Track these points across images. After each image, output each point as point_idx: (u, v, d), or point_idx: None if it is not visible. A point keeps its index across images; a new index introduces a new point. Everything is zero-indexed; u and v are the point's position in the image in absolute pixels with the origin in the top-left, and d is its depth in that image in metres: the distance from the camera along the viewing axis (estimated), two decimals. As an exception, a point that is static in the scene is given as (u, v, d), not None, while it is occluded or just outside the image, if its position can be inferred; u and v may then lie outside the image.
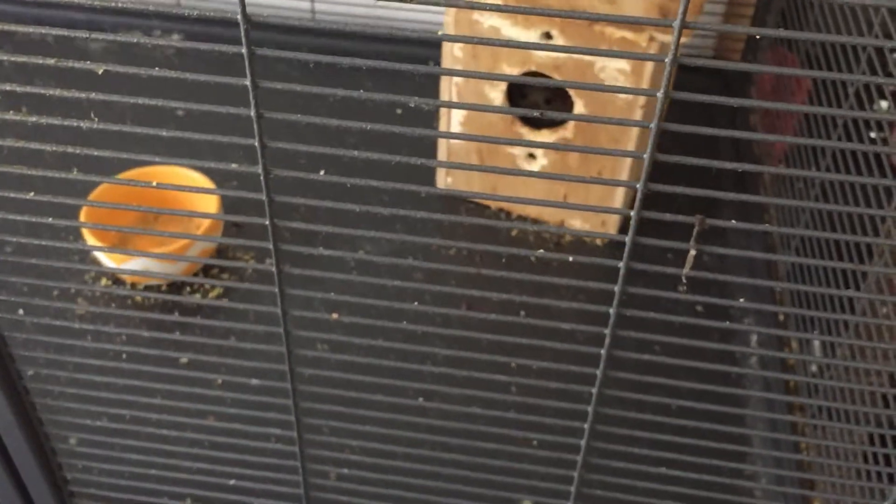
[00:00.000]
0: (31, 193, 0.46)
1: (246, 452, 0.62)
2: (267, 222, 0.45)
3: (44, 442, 0.61)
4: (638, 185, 0.41)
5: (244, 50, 0.38)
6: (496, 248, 0.45)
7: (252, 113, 0.40)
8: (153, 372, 0.59)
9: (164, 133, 0.42)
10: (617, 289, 0.45)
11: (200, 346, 0.81)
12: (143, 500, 0.70)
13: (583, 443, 0.53)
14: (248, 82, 0.39)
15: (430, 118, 1.14)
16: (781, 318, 0.90)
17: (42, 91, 0.41)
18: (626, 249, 0.43)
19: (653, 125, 0.38)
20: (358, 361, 0.53)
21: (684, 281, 0.43)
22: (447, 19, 0.88)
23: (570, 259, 0.46)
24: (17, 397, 0.58)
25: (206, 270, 0.94)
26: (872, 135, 0.94)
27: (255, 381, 0.55)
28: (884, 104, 0.99)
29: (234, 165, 0.45)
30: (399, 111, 1.14)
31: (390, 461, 0.60)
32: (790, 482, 0.75)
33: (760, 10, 1.12)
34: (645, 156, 0.39)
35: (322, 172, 0.43)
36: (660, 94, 0.37)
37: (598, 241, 0.98)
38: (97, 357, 0.64)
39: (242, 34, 0.37)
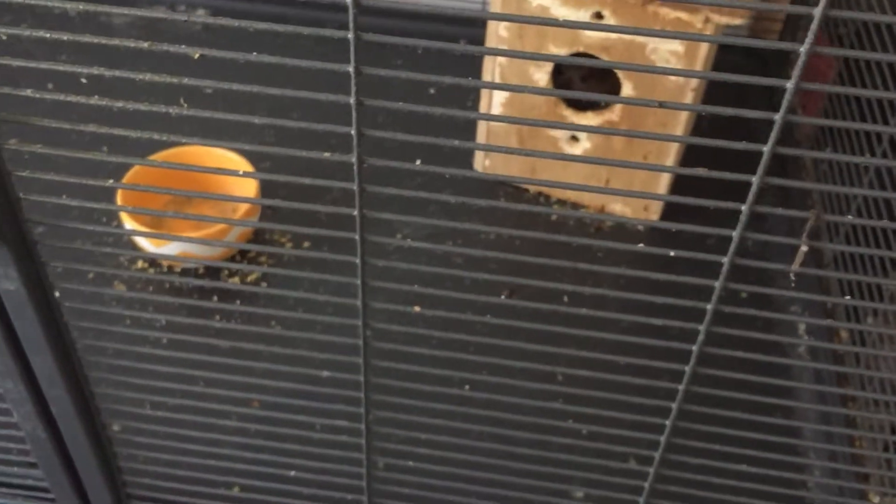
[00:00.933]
0: (62, 174, 0.44)
1: (301, 442, 0.61)
2: (356, 213, 0.43)
3: (100, 431, 0.60)
4: (754, 179, 0.39)
5: (351, 35, 0.36)
6: (555, 236, 0.44)
7: (352, 100, 0.38)
8: (197, 359, 0.57)
9: (255, 120, 0.40)
10: (718, 284, 0.43)
11: (242, 332, 0.80)
12: (191, 488, 0.68)
13: (662, 439, 0.52)
14: (351, 69, 0.37)
15: (464, 99, 1.12)
16: (829, 306, 0.88)
17: (131, 75, 0.39)
18: (732, 245, 0.42)
19: (778, 117, 0.37)
20: (419, 352, 0.51)
21: (793, 277, 0.41)
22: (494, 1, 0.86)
23: (641, 246, 0.45)
24: (78, 389, 0.56)
25: (242, 254, 0.92)
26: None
27: (325, 373, 0.54)
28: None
29: (326, 154, 0.42)
30: (432, 91, 1.12)
31: (448, 452, 0.58)
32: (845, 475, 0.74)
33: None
34: (765, 149, 0.38)
35: (418, 162, 0.41)
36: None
37: (640, 227, 0.96)
38: (138, 343, 0.63)
39: (351, 19, 0.35)
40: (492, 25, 0.89)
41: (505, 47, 0.88)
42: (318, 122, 0.40)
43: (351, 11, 0.35)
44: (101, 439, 0.60)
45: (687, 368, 0.48)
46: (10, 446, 0.63)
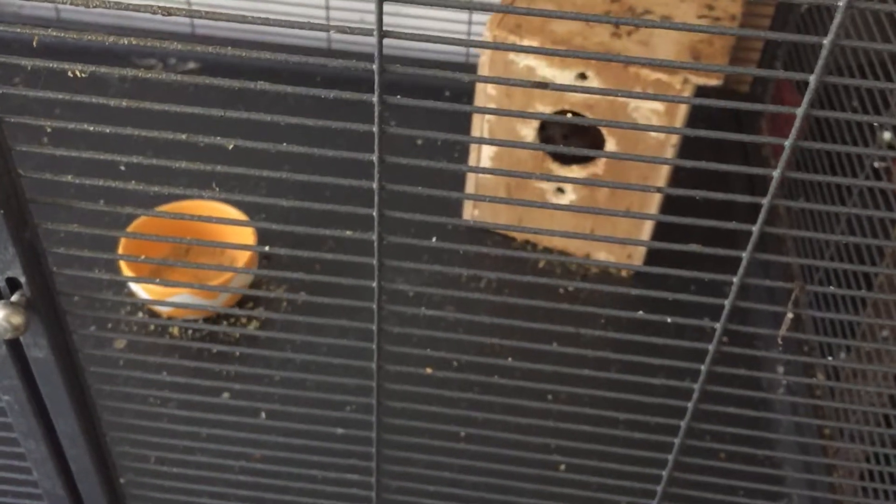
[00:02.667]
0: (75, 225, 0.47)
1: (306, 495, 0.63)
2: (374, 261, 0.46)
3: (116, 487, 0.62)
4: (743, 255, 0.43)
5: (375, 98, 0.39)
6: (559, 281, 0.47)
7: (374, 157, 0.41)
8: (200, 417, 0.59)
9: (267, 173, 0.43)
10: (719, 326, 0.47)
11: (243, 384, 0.82)
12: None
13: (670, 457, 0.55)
14: (375, 129, 0.40)
15: (449, 150, 1.16)
16: (806, 348, 0.93)
17: (121, 130, 0.42)
18: (735, 288, 0.45)
19: (788, 142, 0.39)
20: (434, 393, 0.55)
21: (780, 342, 0.45)
22: (482, 59, 0.90)
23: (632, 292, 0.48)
24: (98, 448, 0.58)
25: (240, 304, 0.95)
26: (876, 164, 0.98)
27: (340, 431, 0.56)
28: (887, 135, 1.03)
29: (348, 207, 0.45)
30: (419, 142, 1.16)
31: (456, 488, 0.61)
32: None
33: (769, 49, 1.15)
34: (775, 173, 0.40)
35: (434, 239, 0.45)
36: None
37: (624, 273, 1.00)
38: (146, 393, 0.65)
39: (377, 80, 0.38)
40: (480, 84, 0.93)
41: (493, 104, 0.93)
42: (312, 174, 0.43)
43: (377, 71, 0.38)
44: (116, 494, 0.62)
45: (682, 423, 0.51)
46: (27, 503, 0.65)
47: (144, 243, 0.93)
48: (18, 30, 0.39)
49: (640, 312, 0.49)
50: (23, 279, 0.47)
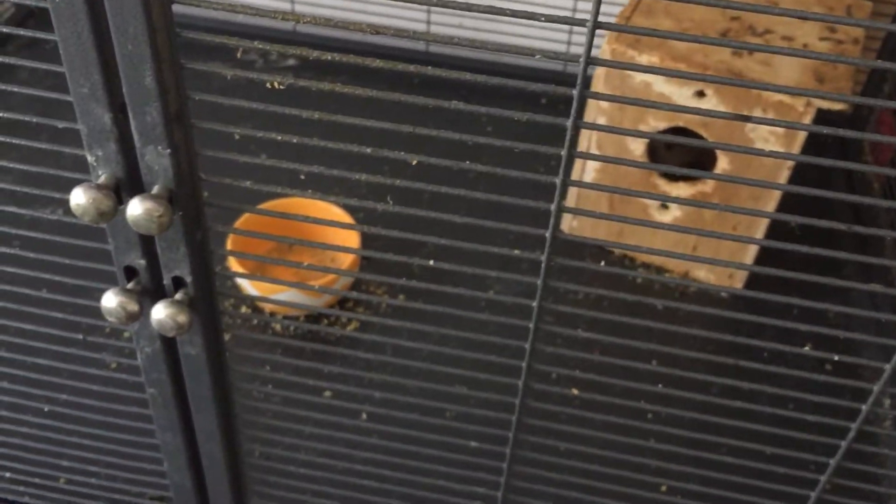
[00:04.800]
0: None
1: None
2: (539, 281, 0.46)
3: (243, 484, 0.63)
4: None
5: (575, 91, 0.39)
6: (663, 301, 0.47)
7: (563, 153, 0.41)
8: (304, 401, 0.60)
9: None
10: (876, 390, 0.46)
11: (346, 382, 0.83)
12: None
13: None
14: (568, 123, 0.40)
15: (547, 160, 1.16)
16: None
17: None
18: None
19: None
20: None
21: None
22: (598, 71, 0.90)
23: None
24: (232, 444, 0.59)
25: (341, 304, 0.95)
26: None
27: (473, 444, 0.56)
28: None
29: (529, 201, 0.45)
30: (517, 150, 1.16)
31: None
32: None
33: (876, 73, 1.13)
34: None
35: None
36: None
37: (724, 294, 0.99)
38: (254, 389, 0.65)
39: (575, 105, 0.38)
40: (593, 96, 0.92)
41: (604, 118, 0.92)
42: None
43: (582, 68, 0.38)
44: (241, 490, 0.63)
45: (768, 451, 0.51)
46: (151, 492, 0.66)
47: (249, 240, 0.94)
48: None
49: (743, 337, 0.48)
50: (189, 279, 0.48)
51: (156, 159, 0.43)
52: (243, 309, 0.94)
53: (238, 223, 0.94)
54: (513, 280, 1.00)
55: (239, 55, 1.23)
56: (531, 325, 0.49)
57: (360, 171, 0.45)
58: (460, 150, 1.09)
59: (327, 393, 0.85)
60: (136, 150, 0.43)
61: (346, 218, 0.96)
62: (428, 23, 1.28)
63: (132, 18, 0.37)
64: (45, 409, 0.62)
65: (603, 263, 1.01)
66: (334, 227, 0.97)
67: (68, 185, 0.43)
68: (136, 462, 0.64)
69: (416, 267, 0.99)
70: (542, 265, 0.46)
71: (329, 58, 0.40)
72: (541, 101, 1.25)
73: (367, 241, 1.00)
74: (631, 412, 0.53)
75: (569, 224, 1.04)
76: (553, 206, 0.43)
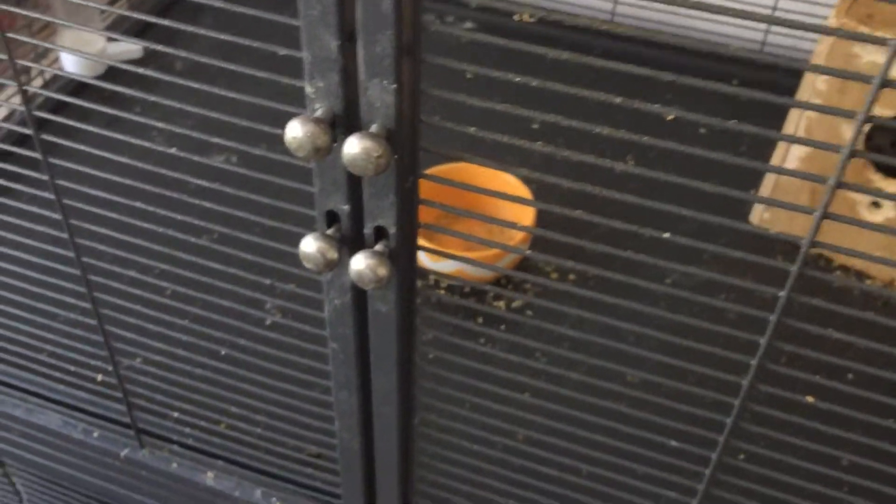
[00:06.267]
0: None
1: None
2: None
3: (410, 450, 0.60)
4: None
5: None
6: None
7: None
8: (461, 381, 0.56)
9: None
10: None
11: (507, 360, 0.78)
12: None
13: None
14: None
15: (736, 144, 1.07)
16: None
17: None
18: None
19: None
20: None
21: None
22: (819, 48, 0.81)
23: None
24: (407, 409, 0.56)
25: (508, 280, 0.91)
26: None
27: (674, 443, 0.51)
28: None
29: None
30: (702, 130, 1.08)
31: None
32: None
33: None
34: None
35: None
36: None
37: (935, 309, 0.88)
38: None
39: None
40: (809, 75, 0.84)
41: (820, 100, 0.83)
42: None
43: None
44: (408, 457, 0.60)
45: None
46: (310, 448, 0.64)
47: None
48: None
49: None
50: (392, 229, 0.45)
51: (379, 95, 0.39)
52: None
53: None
54: (689, 273, 0.94)
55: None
56: (772, 318, 0.43)
57: (536, 141, 0.40)
58: (642, 123, 1.02)
59: (489, 368, 0.81)
60: (358, 83, 0.39)
61: (522, 189, 0.91)
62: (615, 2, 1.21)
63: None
64: (222, 353, 0.61)
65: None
66: (509, 203, 0.92)
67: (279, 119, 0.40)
68: (305, 417, 0.62)
69: (587, 250, 0.94)
70: (791, 276, 0.40)
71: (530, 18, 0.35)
72: (732, 81, 1.16)
73: (540, 216, 0.95)
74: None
75: (759, 216, 0.95)
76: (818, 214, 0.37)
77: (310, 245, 0.45)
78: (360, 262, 0.44)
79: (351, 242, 0.46)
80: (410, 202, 0.45)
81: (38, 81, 1.09)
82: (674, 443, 0.51)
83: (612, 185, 0.40)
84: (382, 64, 0.38)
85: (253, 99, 0.44)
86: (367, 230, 0.45)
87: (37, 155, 0.53)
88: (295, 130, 0.39)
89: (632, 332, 0.47)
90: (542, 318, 0.89)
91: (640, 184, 1.01)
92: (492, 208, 0.94)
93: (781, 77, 1.13)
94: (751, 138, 1.06)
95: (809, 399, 0.47)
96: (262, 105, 0.43)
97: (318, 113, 0.41)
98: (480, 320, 0.88)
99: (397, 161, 0.41)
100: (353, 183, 0.44)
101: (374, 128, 0.40)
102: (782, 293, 0.42)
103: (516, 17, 1.24)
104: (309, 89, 0.41)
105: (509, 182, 0.92)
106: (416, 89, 0.40)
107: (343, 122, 0.41)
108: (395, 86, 0.39)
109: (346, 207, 0.45)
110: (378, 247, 0.46)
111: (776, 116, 0.93)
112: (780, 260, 0.42)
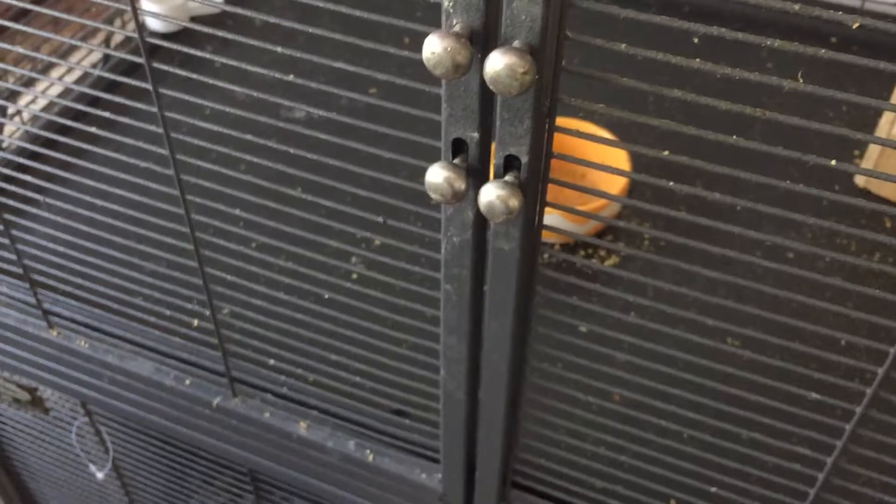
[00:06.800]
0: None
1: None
2: None
3: (517, 406, 0.57)
4: None
5: None
6: None
7: None
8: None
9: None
10: None
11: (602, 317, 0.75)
12: (573, 488, 0.64)
13: None
14: None
15: (837, 105, 1.02)
16: None
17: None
18: None
19: None
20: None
21: None
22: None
23: None
24: (519, 360, 0.54)
25: (599, 235, 0.88)
26: None
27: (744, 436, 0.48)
28: None
29: None
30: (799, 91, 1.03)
31: None
32: None
33: None
34: None
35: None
36: None
37: None
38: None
39: None
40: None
41: (943, 53, 0.78)
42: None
43: None
44: (514, 415, 0.58)
45: None
46: (418, 400, 0.62)
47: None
48: None
49: None
50: (525, 159, 0.42)
51: (525, 7, 0.37)
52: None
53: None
54: (790, 222, 0.89)
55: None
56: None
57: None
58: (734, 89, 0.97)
59: (582, 328, 0.78)
60: (501, -5, 0.37)
61: (620, 157, 0.88)
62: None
63: None
64: (326, 297, 0.59)
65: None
66: (601, 150, 0.89)
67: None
68: (411, 366, 0.60)
69: (683, 205, 0.90)
70: None
71: None
72: (830, 39, 1.10)
73: (639, 191, 0.92)
74: None
75: (865, 179, 0.91)
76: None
77: (436, 175, 0.42)
78: (490, 193, 0.42)
79: (477, 174, 0.44)
80: (546, 128, 0.42)
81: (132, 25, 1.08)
82: (810, 399, 0.48)
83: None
84: (532, -28, 0.35)
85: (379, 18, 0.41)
86: (497, 160, 0.43)
87: (146, 85, 0.51)
88: (434, 45, 0.37)
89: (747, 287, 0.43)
90: (641, 272, 0.86)
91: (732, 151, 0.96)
92: (580, 176, 0.91)
93: (881, 36, 1.07)
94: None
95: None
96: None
97: (457, 27, 0.38)
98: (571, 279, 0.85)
99: (538, 81, 0.39)
100: (486, 107, 0.42)
101: (516, 43, 0.38)
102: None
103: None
104: (447, 3, 0.38)
105: (609, 150, 0.88)
106: (565, 2, 0.37)
107: (481, 38, 0.39)
108: (544, -4, 0.36)
109: (476, 135, 0.43)
110: (508, 177, 0.43)
111: (877, 78, 0.88)
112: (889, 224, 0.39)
